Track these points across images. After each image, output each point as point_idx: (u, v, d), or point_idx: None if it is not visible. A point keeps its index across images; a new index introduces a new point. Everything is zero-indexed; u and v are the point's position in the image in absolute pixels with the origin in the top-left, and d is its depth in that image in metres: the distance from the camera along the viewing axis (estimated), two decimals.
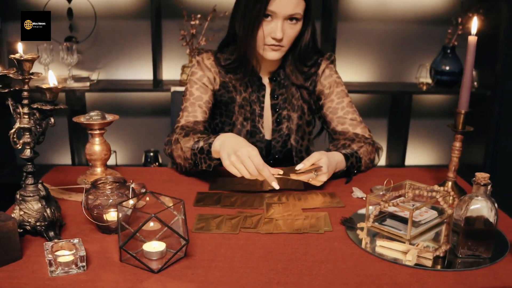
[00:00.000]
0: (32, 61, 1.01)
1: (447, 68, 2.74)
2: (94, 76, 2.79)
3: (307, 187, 1.42)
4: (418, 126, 3.03)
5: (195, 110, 1.56)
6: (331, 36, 2.61)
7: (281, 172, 1.28)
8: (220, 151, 1.30)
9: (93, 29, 2.77)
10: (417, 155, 3.12)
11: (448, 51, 2.75)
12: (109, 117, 1.38)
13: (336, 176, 1.46)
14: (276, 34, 1.46)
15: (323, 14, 2.76)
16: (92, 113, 1.36)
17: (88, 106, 2.87)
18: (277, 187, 1.27)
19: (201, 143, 1.38)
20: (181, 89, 2.03)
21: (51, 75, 1.02)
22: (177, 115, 1.72)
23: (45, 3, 2.70)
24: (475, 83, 2.77)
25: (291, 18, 1.47)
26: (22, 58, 1.00)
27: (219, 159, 1.34)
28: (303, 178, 1.33)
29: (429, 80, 2.79)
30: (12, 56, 1.01)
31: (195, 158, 1.40)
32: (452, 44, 2.75)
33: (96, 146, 1.38)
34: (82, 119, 1.36)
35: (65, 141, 2.77)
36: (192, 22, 2.63)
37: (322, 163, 1.33)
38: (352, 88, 2.69)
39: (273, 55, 1.52)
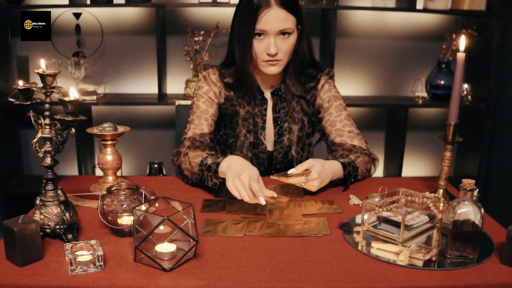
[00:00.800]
0: (54, 76, 1.11)
1: (442, 82, 2.84)
2: (101, 90, 2.89)
3: (307, 194, 1.50)
4: (414, 138, 3.11)
5: (201, 123, 1.65)
6: (330, 52, 2.70)
7: (275, 195, 1.32)
8: (226, 172, 1.38)
9: (100, 45, 2.87)
10: (413, 166, 3.20)
11: (443, 66, 2.85)
12: (121, 129, 1.47)
13: (334, 184, 1.54)
14: (270, 50, 1.55)
15: (322, 30, 2.86)
16: (105, 125, 1.44)
17: (95, 119, 2.96)
18: (263, 202, 1.29)
19: (209, 161, 1.46)
20: (185, 102, 2.12)
21: (72, 90, 1.10)
22: (181, 127, 1.79)
23: (53, 20, 2.80)
24: (469, 97, 2.86)
25: (282, 33, 1.56)
26: (45, 73, 1.09)
27: (224, 178, 1.41)
28: (292, 181, 1.41)
29: (425, 94, 2.88)
30: (36, 71, 1.10)
31: (202, 174, 1.48)
32: (447, 59, 2.85)
33: (108, 156, 1.47)
34: (95, 130, 1.45)
35: (72, 153, 2.85)
36: (196, 38, 2.72)
37: (314, 169, 1.42)
38: (350, 101, 2.78)
39: (272, 70, 1.61)
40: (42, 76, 1.10)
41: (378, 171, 3.11)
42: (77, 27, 2.83)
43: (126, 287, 0.99)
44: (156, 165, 2.92)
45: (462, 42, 1.37)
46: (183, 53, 2.77)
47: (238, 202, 1.42)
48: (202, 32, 2.71)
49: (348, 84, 3.02)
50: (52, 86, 1.11)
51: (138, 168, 3.10)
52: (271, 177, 1.39)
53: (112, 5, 2.69)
